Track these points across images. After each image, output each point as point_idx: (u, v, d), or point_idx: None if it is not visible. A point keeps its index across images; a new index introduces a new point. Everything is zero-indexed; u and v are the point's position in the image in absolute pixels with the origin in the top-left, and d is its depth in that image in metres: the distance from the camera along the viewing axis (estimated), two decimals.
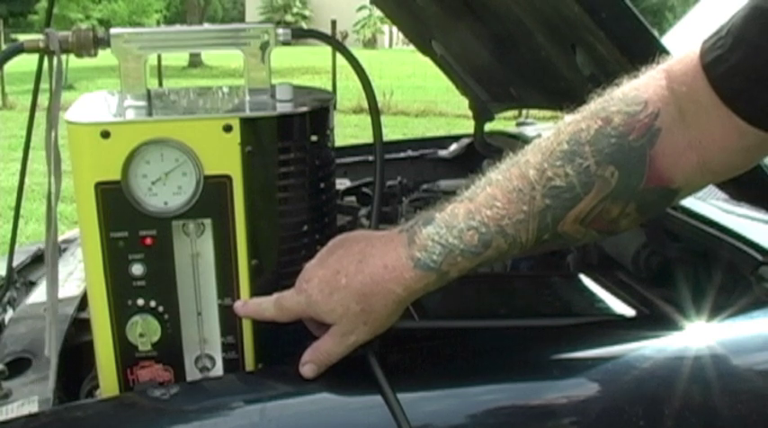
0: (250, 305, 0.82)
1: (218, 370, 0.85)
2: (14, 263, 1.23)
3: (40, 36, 0.85)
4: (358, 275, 0.75)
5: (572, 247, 1.32)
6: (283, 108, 0.83)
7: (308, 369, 0.78)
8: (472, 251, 0.73)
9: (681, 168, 0.72)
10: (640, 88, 0.73)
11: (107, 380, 0.83)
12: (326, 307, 0.76)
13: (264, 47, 0.84)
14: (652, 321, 0.94)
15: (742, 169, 0.76)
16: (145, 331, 0.81)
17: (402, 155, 1.88)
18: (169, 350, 0.83)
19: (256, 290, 0.83)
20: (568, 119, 0.75)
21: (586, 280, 1.10)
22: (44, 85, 0.90)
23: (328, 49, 1.61)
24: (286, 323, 0.80)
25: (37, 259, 1.49)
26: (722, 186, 0.99)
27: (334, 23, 11.21)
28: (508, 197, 0.73)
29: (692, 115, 0.71)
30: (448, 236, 0.73)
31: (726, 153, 0.72)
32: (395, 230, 0.78)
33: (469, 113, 1.73)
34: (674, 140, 0.71)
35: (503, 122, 2.21)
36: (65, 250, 1.48)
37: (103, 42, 0.84)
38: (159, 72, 11.57)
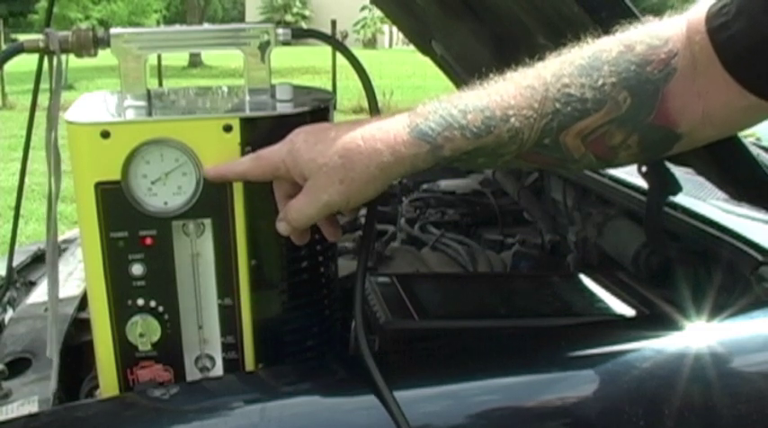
0: (222, 164, 0.79)
1: (218, 369, 0.85)
2: (14, 263, 1.23)
3: (40, 36, 0.85)
4: (349, 131, 0.74)
5: (572, 247, 1.32)
6: (283, 108, 0.83)
7: (281, 226, 0.78)
8: (472, 130, 0.72)
9: (687, 114, 0.73)
10: (665, 26, 0.75)
11: (107, 380, 0.83)
12: (307, 155, 0.74)
13: (264, 47, 0.84)
14: (652, 321, 0.94)
15: (743, 128, 0.78)
16: (145, 331, 0.81)
17: None
18: (169, 350, 0.83)
19: (256, 290, 0.82)
20: (591, 40, 0.76)
21: (586, 280, 1.10)
22: (44, 85, 0.90)
23: (328, 48, 1.61)
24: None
25: (37, 259, 1.49)
26: (722, 186, 0.99)
27: (334, 23, 11.22)
28: (521, 91, 0.73)
29: (703, 66, 0.72)
30: (451, 110, 0.73)
31: (727, 109, 0.74)
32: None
33: None
34: (686, 84, 0.73)
35: None
36: (65, 250, 1.48)
37: (103, 42, 0.84)
38: (159, 72, 11.57)
